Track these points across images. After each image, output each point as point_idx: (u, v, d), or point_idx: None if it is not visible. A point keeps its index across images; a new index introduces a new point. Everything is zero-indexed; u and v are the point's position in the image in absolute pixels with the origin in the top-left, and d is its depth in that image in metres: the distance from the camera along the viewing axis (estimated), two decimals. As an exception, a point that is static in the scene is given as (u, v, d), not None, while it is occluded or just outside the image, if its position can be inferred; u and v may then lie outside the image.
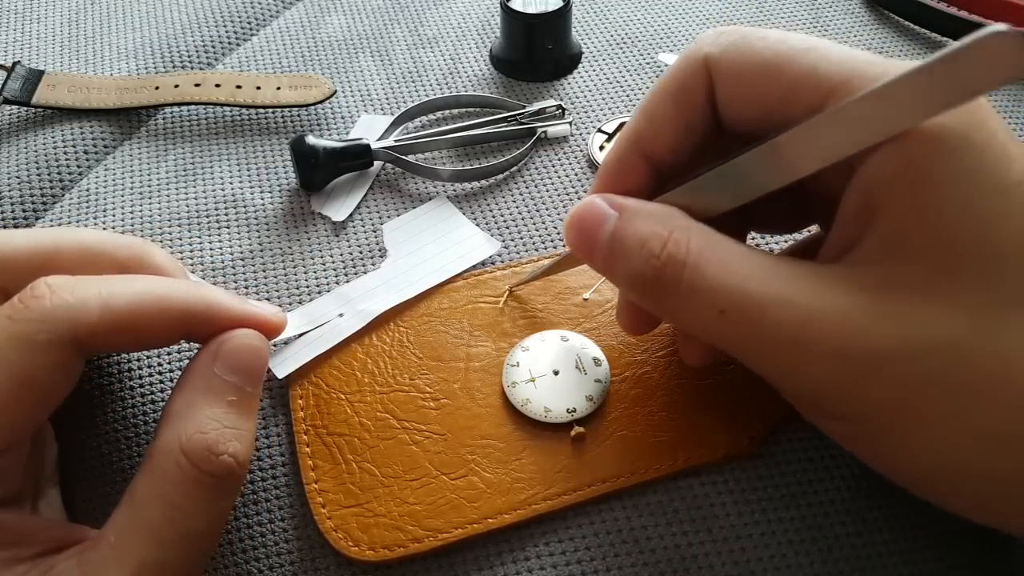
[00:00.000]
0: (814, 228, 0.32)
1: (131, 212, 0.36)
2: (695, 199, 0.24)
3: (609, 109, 0.40)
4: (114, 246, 0.26)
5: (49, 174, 0.37)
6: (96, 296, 0.23)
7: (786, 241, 0.34)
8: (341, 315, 0.32)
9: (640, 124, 0.25)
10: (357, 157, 0.37)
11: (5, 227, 0.35)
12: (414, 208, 0.36)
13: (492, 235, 0.35)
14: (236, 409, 0.24)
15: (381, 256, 0.34)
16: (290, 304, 0.33)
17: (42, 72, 0.40)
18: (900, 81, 0.18)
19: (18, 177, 0.37)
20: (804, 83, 0.22)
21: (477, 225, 0.35)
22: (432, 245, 0.34)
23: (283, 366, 0.30)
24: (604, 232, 0.24)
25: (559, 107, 0.39)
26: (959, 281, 0.20)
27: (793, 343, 0.21)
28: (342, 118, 0.40)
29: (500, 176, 0.38)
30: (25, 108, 0.40)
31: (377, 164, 0.38)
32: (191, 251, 0.35)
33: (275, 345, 0.31)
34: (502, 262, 0.34)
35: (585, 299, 0.32)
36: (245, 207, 0.36)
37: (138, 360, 0.31)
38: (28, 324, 0.22)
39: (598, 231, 0.24)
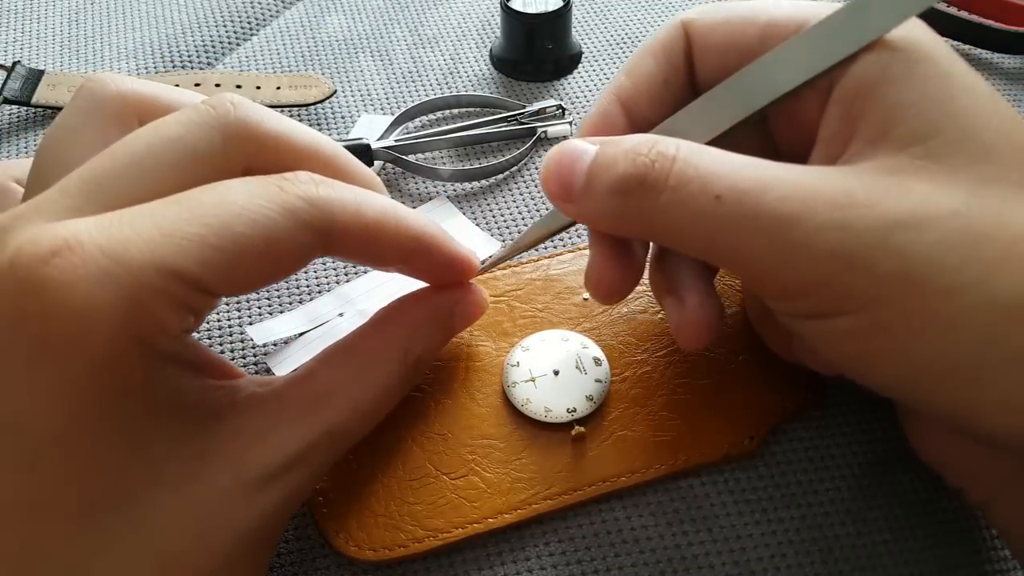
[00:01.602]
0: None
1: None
2: (678, 132, 0.24)
3: (609, 109, 0.40)
4: (358, 173, 0.27)
5: (49, 174, 0.37)
6: (352, 200, 0.23)
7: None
8: (341, 315, 0.32)
9: (622, 80, 0.26)
10: (357, 157, 0.36)
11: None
12: (414, 208, 0.36)
13: (492, 235, 0.35)
14: (439, 332, 0.28)
15: (381, 256, 0.34)
16: (290, 304, 0.33)
17: (42, 72, 0.40)
18: (834, 18, 0.22)
19: (18, 177, 0.37)
20: (778, 21, 0.24)
21: (477, 225, 0.35)
22: None
23: (283, 365, 0.30)
24: (583, 162, 0.23)
25: (559, 107, 0.39)
26: (950, 164, 0.21)
27: (795, 220, 0.20)
28: (342, 118, 0.40)
29: (500, 176, 0.38)
30: (25, 108, 0.40)
31: (377, 164, 0.38)
32: (191, 251, 0.35)
33: (275, 344, 0.31)
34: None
35: (585, 299, 0.32)
36: (245, 207, 0.36)
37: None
38: (296, 199, 0.22)
39: (576, 163, 0.23)
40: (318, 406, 0.24)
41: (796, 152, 0.24)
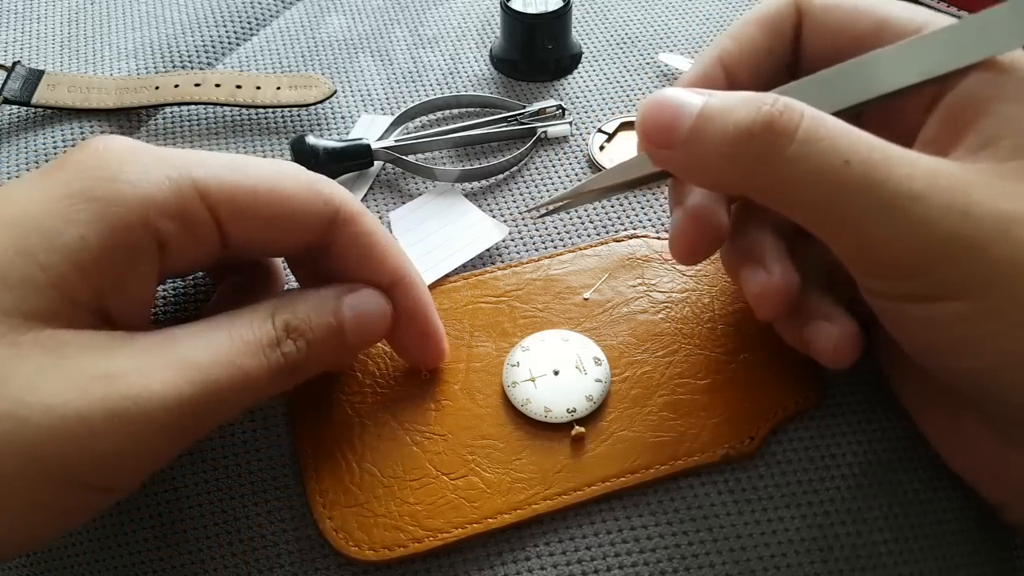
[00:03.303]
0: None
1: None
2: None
3: (609, 109, 0.40)
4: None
5: (49, 174, 0.37)
6: (356, 203, 0.27)
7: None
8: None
9: (727, 44, 0.27)
10: (357, 157, 0.37)
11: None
12: (421, 198, 0.36)
13: (487, 215, 0.35)
14: (331, 336, 0.26)
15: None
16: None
17: (42, 72, 0.40)
18: (996, 11, 0.22)
19: (18, 177, 0.37)
20: (892, 24, 0.24)
21: (477, 225, 0.35)
22: (440, 232, 0.34)
23: None
24: (690, 107, 0.22)
25: (559, 107, 0.39)
26: None
27: (920, 196, 0.20)
28: (342, 118, 0.40)
29: (500, 176, 0.38)
30: (25, 108, 0.40)
31: (377, 164, 0.38)
32: (191, 251, 0.35)
33: None
34: (503, 262, 0.34)
35: (585, 299, 0.32)
36: (245, 207, 0.36)
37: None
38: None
39: (682, 107, 0.22)
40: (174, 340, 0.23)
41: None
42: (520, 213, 0.36)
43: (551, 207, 0.29)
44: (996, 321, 0.21)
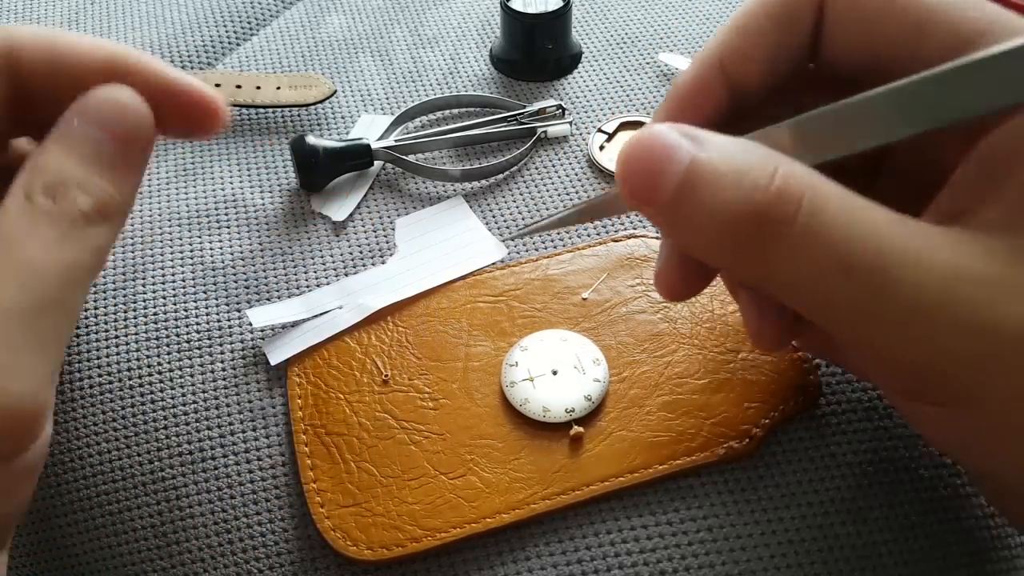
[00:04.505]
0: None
1: (131, 212, 0.36)
2: (795, 144, 0.19)
3: (609, 109, 0.40)
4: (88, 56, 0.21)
5: (49, 174, 0.37)
6: (36, 29, 0.21)
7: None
8: (341, 307, 0.32)
9: (730, 38, 0.22)
10: (357, 157, 0.37)
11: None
12: (422, 207, 0.36)
13: (491, 234, 0.35)
14: (90, 164, 0.20)
15: (381, 256, 0.34)
16: (290, 296, 0.33)
17: (42, 72, 0.40)
18: None
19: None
20: (938, 23, 0.19)
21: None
22: (440, 245, 0.34)
23: (277, 352, 0.30)
24: (677, 162, 0.18)
25: (559, 107, 0.39)
26: None
27: (931, 313, 0.18)
28: (342, 118, 0.40)
29: (500, 176, 0.37)
30: (25, 108, 0.40)
31: (377, 164, 0.38)
32: (191, 251, 0.35)
33: (272, 330, 0.31)
34: (502, 262, 0.34)
35: (584, 299, 0.32)
36: (245, 207, 0.36)
37: (138, 359, 0.31)
38: None
39: (668, 160, 0.18)
40: None
41: (907, 178, 0.22)
42: (519, 214, 0.36)
43: (529, 230, 0.28)
44: (1003, 435, 0.19)
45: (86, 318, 0.32)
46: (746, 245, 0.18)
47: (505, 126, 0.38)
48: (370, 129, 0.39)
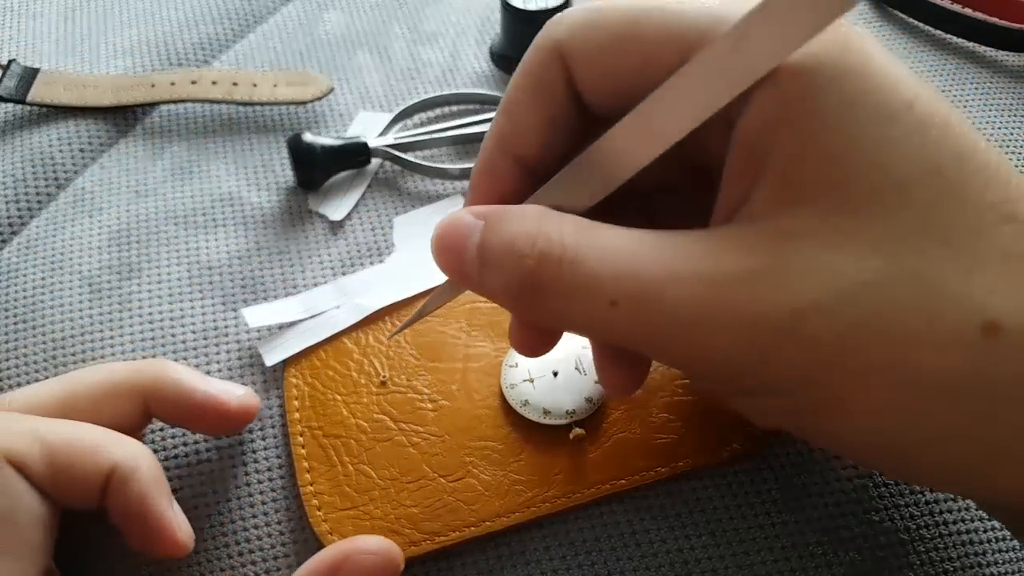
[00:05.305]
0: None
1: (126, 210, 0.36)
2: (566, 194, 0.21)
3: (610, 106, 0.40)
4: (127, 374, 0.27)
5: (44, 172, 0.37)
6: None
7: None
8: (338, 307, 0.31)
9: (503, 124, 0.23)
10: (355, 155, 0.36)
11: (-1, 226, 0.35)
12: (421, 206, 0.36)
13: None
14: None
15: (379, 255, 0.34)
16: (286, 296, 0.32)
17: (37, 70, 0.40)
18: (744, 24, 0.17)
19: (13, 175, 0.37)
20: (662, 45, 0.20)
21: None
22: None
23: (273, 353, 0.30)
24: (471, 245, 0.21)
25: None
26: (862, 219, 0.18)
27: (698, 322, 0.19)
28: (340, 115, 0.40)
29: (499, 174, 0.37)
30: (20, 106, 0.39)
31: (375, 162, 0.37)
32: (187, 249, 0.34)
33: (268, 330, 0.31)
34: (501, 261, 0.33)
35: (585, 299, 0.31)
36: (242, 205, 0.36)
37: (134, 360, 0.31)
38: None
39: (464, 246, 0.21)
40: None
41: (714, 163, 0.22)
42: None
43: (400, 329, 0.28)
44: (813, 416, 0.20)
45: (81, 319, 0.32)
46: (531, 304, 0.20)
47: (505, 124, 0.38)
48: (368, 127, 0.39)
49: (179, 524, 0.25)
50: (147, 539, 0.25)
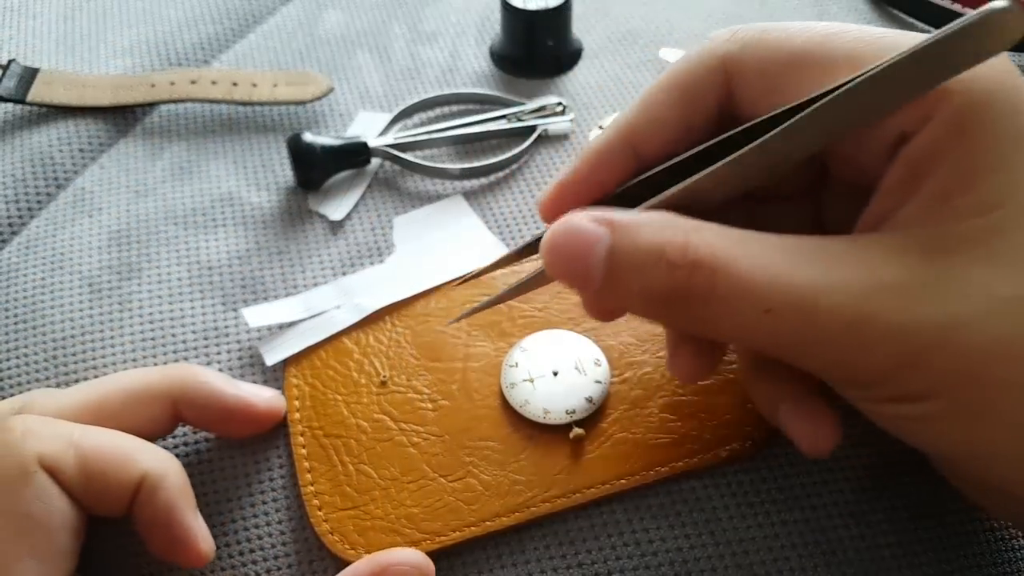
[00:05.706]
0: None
1: (126, 210, 0.36)
2: (695, 195, 0.21)
3: (610, 105, 0.40)
4: (157, 379, 0.27)
5: (44, 172, 0.37)
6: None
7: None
8: (338, 307, 0.31)
9: (637, 119, 0.24)
10: (355, 155, 0.36)
11: (-1, 226, 0.35)
12: (421, 206, 0.36)
13: (491, 234, 0.35)
14: None
15: (379, 255, 0.34)
16: (287, 295, 0.32)
17: (37, 70, 0.40)
18: (910, 57, 0.19)
19: (12, 175, 0.37)
20: (844, 66, 0.21)
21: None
22: (439, 244, 0.34)
23: (274, 353, 0.30)
24: (597, 253, 0.20)
25: (560, 104, 0.39)
26: (1013, 240, 0.19)
27: (851, 328, 0.19)
28: (340, 115, 0.40)
29: (500, 173, 0.37)
30: (20, 106, 0.39)
31: (375, 162, 0.37)
32: (187, 249, 0.34)
33: (268, 330, 0.31)
34: (501, 261, 0.33)
35: (585, 298, 0.31)
36: (241, 205, 0.36)
37: (134, 360, 0.31)
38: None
39: (590, 252, 0.21)
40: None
41: (848, 187, 0.23)
42: (519, 212, 0.35)
43: (468, 313, 0.28)
44: (950, 423, 0.20)
45: (81, 319, 0.32)
46: (676, 311, 0.21)
47: (505, 123, 0.38)
48: (368, 127, 0.39)
49: (203, 535, 0.25)
50: (170, 548, 0.25)
